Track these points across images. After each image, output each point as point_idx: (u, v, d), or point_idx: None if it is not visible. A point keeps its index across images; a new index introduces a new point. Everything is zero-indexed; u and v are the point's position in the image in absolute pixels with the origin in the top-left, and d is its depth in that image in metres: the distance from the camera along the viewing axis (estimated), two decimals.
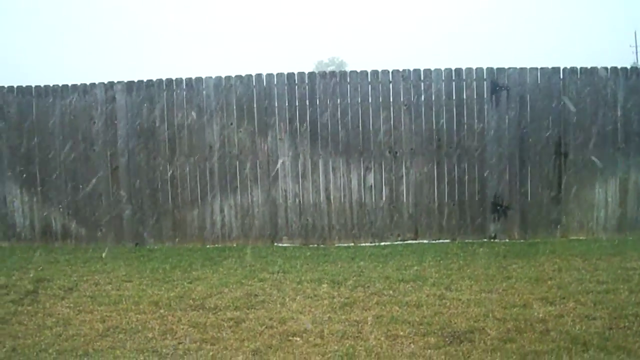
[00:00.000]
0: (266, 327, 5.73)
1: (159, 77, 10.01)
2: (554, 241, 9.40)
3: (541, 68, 9.68)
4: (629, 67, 10.07)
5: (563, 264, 7.83)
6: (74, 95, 10.14)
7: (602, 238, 9.53)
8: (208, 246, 9.86)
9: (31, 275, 8.05)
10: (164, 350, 5.25)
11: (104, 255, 9.20)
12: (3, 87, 10.35)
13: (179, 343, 5.42)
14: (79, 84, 10.18)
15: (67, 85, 10.21)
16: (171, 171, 9.99)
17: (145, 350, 5.25)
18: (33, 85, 10.30)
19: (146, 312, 6.32)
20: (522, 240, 9.59)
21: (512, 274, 7.43)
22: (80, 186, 10.19)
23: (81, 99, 10.12)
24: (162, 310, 6.35)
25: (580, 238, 9.58)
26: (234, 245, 9.86)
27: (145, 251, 9.59)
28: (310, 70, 10.27)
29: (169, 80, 9.98)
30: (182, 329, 5.78)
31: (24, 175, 10.31)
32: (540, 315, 5.79)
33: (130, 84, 10.05)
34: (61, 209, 10.27)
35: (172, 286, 7.30)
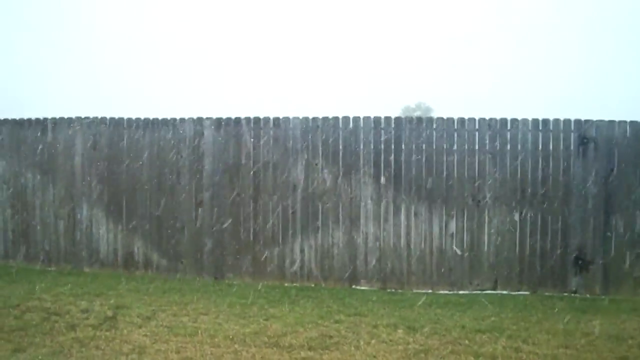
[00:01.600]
0: None
1: (246, 115, 10.30)
2: (637, 299, 9.23)
3: (631, 122, 9.61)
4: None
5: None
6: (163, 128, 10.52)
7: None
8: (286, 284, 9.98)
9: (111, 301, 8.30)
10: None
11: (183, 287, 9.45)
12: (97, 117, 10.82)
13: None
14: (169, 118, 10.55)
15: (157, 118, 10.58)
16: (254, 208, 10.21)
17: None
18: (125, 117, 10.73)
19: (221, 346, 6.45)
20: (603, 297, 9.43)
21: (592, 330, 7.31)
22: (164, 218, 10.52)
23: (170, 133, 10.48)
24: (236, 345, 6.47)
25: None
26: (312, 285, 9.97)
27: (224, 285, 9.76)
28: (397, 115, 10.44)
29: (257, 118, 10.24)
30: None
31: (111, 204, 10.72)
32: None
33: (218, 120, 10.34)
34: (145, 239, 10.61)
35: (248, 322, 7.41)
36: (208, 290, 9.29)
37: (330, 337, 6.88)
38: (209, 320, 7.53)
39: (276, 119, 10.21)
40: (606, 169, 9.61)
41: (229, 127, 10.30)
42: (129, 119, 10.70)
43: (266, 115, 10.26)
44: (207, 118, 10.40)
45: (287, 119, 10.19)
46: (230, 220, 10.27)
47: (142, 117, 10.66)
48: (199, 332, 6.93)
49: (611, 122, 9.64)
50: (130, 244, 10.68)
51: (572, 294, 9.58)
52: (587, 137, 9.61)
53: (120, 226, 10.70)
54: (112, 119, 10.77)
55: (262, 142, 10.20)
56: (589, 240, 9.64)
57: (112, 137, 10.71)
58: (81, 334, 6.76)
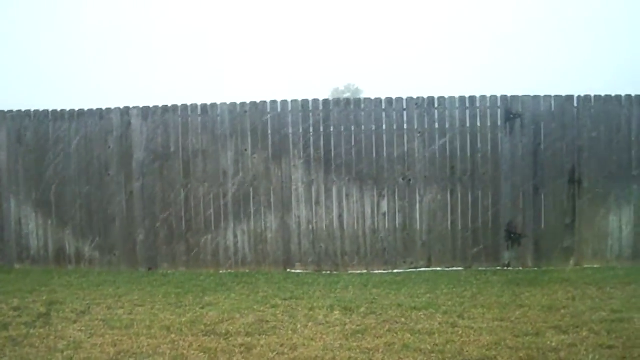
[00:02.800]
0: (277, 354, 5.85)
1: (174, 103, 10.29)
2: (568, 269, 9.56)
3: (555, 96, 9.89)
4: None
5: (577, 292, 7.97)
6: (90, 119, 10.41)
7: (616, 267, 9.65)
8: (221, 271, 10.04)
9: (44, 297, 8.24)
10: None
11: (117, 279, 9.44)
12: (20, 110, 10.66)
13: None
14: (95, 108, 10.46)
15: (83, 109, 10.48)
16: (185, 196, 10.23)
17: None
18: (50, 109, 10.59)
19: (158, 336, 6.46)
20: (535, 269, 9.74)
21: (526, 302, 7.54)
22: (95, 210, 10.46)
23: (97, 124, 10.39)
24: (173, 335, 6.48)
25: (595, 266, 9.71)
26: (247, 271, 10.04)
27: (159, 276, 9.77)
28: (326, 97, 10.55)
29: (184, 106, 10.24)
30: (193, 354, 5.90)
31: (40, 199, 10.60)
32: (553, 344, 5.88)
33: (145, 109, 10.31)
34: (75, 233, 10.53)
35: (184, 311, 7.45)
36: (142, 282, 9.31)
37: (267, 322, 6.96)
38: (145, 311, 7.54)
39: (204, 106, 10.23)
40: (533, 144, 9.88)
41: (156, 115, 10.28)
42: (54, 111, 10.56)
43: (194, 102, 10.28)
44: (134, 107, 10.35)
45: (215, 105, 10.21)
46: (161, 210, 10.30)
47: (68, 109, 10.54)
48: (135, 324, 6.92)
49: (536, 97, 9.91)
50: (61, 238, 10.59)
51: (505, 268, 9.86)
52: (513, 112, 9.86)
53: (50, 221, 10.60)
54: (36, 111, 10.62)
55: (190, 130, 10.23)
56: (520, 214, 9.92)
57: (37, 130, 10.57)
58: (14, 333, 6.67)
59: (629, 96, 9.91)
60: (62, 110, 10.56)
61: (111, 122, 10.37)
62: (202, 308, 7.63)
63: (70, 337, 6.53)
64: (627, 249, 9.93)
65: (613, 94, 9.95)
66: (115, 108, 10.41)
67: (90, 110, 10.48)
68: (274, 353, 5.88)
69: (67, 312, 7.52)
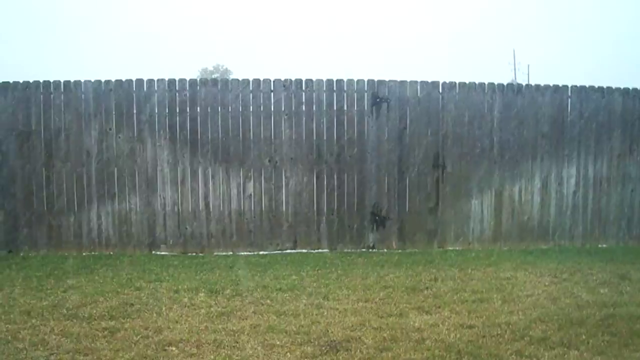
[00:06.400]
0: (142, 337, 6.01)
1: (36, 79, 10.32)
2: (431, 251, 10.32)
3: (421, 82, 10.62)
4: (505, 83, 11.15)
5: (439, 273, 8.61)
6: None
7: (477, 249, 10.52)
8: (84, 254, 10.20)
9: None
10: None
11: None
12: None
13: (51, 354, 5.57)
14: None
15: None
16: (47, 176, 10.30)
17: None
18: None
19: (17, 322, 6.49)
20: (400, 250, 10.46)
21: (390, 283, 8.10)
22: None
23: None
24: (34, 320, 6.53)
25: (457, 249, 10.55)
26: (111, 253, 10.27)
27: (19, 259, 9.83)
28: (194, 77, 10.84)
29: (47, 83, 10.29)
30: (55, 339, 5.95)
31: None
32: (416, 324, 6.32)
33: (5, 84, 10.27)
34: None
35: (45, 295, 7.53)
36: (1, 265, 9.30)
37: (131, 304, 7.14)
38: (3, 295, 7.58)
39: (67, 83, 10.31)
40: (399, 128, 10.60)
41: (16, 91, 10.27)
42: None
43: (56, 79, 10.36)
44: None
45: (78, 82, 10.31)
46: (22, 190, 10.33)
47: None
48: None
49: (402, 82, 10.61)
50: None
51: (370, 250, 10.56)
52: (380, 96, 10.53)
53: None
54: None
55: (53, 108, 10.30)
56: (385, 197, 10.63)
57: None
58: None
59: (492, 84, 10.82)
60: None
61: None
62: (64, 291, 7.75)
63: None
64: (487, 231, 10.83)
65: (477, 81, 10.80)
66: None
67: None
68: (139, 336, 6.05)
69: None
